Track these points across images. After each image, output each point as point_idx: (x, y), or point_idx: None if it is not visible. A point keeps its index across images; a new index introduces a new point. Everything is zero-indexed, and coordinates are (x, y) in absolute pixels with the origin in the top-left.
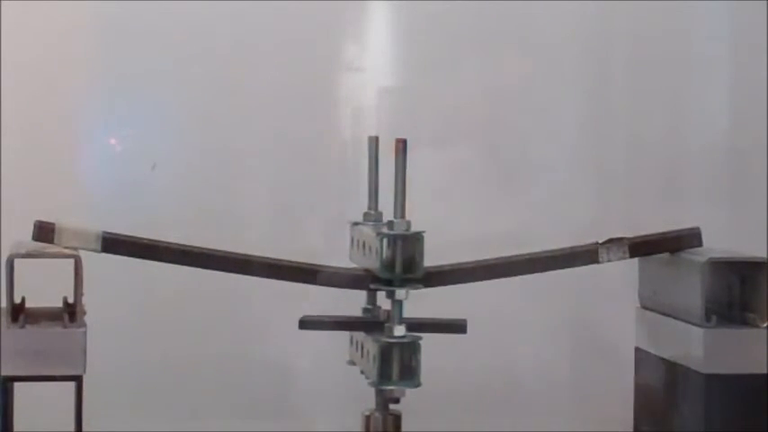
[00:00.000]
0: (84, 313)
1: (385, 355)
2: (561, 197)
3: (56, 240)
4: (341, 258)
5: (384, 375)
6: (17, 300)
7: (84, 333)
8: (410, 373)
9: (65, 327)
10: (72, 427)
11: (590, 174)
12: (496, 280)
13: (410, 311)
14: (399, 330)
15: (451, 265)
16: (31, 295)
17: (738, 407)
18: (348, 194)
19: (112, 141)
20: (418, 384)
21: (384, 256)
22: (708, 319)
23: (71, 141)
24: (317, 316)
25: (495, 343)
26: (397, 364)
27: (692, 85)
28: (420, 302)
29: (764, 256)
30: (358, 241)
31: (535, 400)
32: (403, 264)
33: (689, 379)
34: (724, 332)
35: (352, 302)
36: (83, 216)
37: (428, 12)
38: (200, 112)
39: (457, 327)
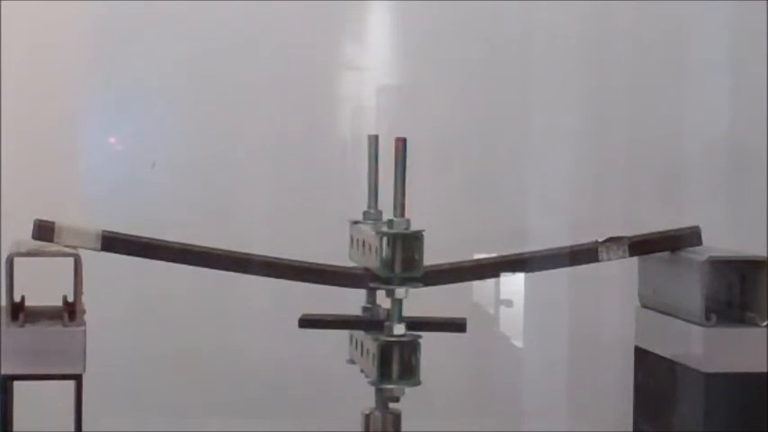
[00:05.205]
0: (84, 312)
1: (385, 353)
2: (561, 196)
3: (55, 239)
4: (341, 257)
5: (384, 374)
6: (17, 298)
7: (84, 332)
8: (410, 372)
9: (64, 325)
10: (72, 426)
11: (590, 173)
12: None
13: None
14: (399, 329)
15: (451, 263)
16: (31, 294)
17: (738, 406)
18: (348, 193)
19: (112, 140)
20: (418, 383)
21: (384, 254)
22: (708, 317)
23: (71, 140)
24: (317, 314)
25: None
26: (396, 363)
27: (692, 85)
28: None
29: (764, 255)
30: (358, 240)
31: (535, 400)
32: (402, 262)
33: (689, 378)
34: (724, 331)
35: (351, 301)
36: (82, 215)
37: (428, 10)
38: (200, 111)
39: (456, 325)
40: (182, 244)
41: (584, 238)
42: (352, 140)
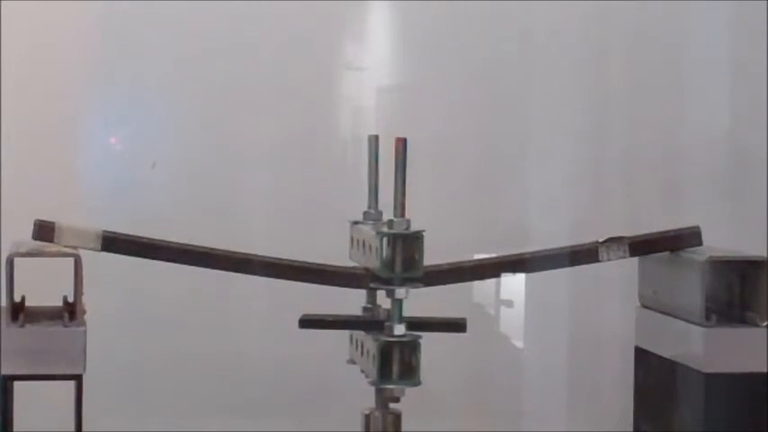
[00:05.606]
0: (84, 312)
1: (385, 353)
2: (561, 196)
3: (56, 239)
4: (341, 257)
5: (384, 374)
6: (17, 299)
7: (84, 332)
8: (410, 372)
9: (65, 326)
10: (72, 426)
11: (590, 173)
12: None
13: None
14: (399, 329)
15: (451, 264)
16: (31, 294)
17: (738, 406)
18: (348, 193)
19: (112, 140)
20: (418, 383)
21: (384, 254)
22: (708, 318)
23: (71, 141)
24: (317, 315)
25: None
26: (397, 363)
27: (692, 85)
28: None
29: (764, 255)
30: (358, 240)
31: (535, 400)
32: (403, 263)
33: (689, 378)
34: (724, 331)
35: (351, 301)
36: (83, 215)
37: (428, 10)
38: (201, 111)
39: (456, 325)
40: (182, 244)
41: (585, 238)
42: (352, 140)
